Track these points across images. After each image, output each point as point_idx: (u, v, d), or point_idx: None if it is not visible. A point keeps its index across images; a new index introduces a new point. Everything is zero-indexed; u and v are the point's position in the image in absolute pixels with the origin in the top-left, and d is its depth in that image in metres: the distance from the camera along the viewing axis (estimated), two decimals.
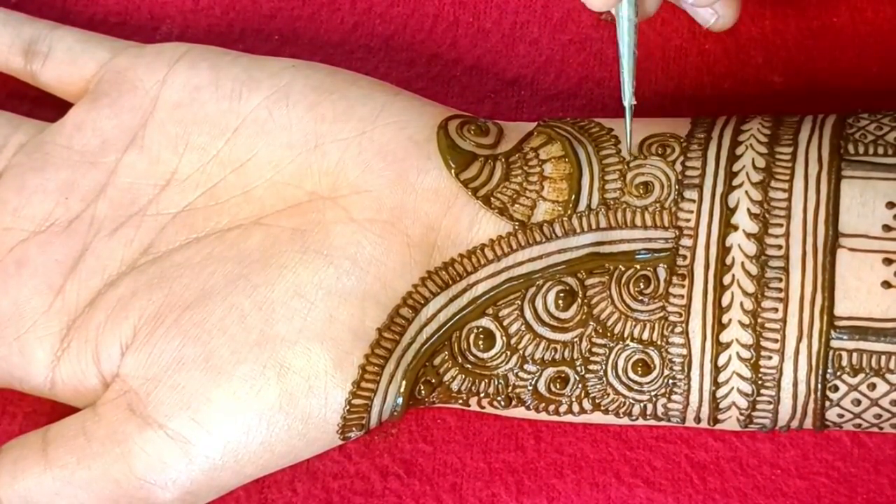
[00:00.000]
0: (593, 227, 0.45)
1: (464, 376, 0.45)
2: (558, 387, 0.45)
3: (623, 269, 0.45)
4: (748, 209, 0.44)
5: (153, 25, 0.54)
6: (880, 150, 0.44)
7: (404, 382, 0.45)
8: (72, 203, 0.48)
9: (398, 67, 0.53)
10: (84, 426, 0.45)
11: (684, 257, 0.44)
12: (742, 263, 0.44)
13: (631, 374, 0.44)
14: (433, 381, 0.46)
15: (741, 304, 0.43)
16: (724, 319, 0.44)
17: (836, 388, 0.43)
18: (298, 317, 0.45)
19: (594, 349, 0.45)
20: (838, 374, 0.43)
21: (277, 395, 0.44)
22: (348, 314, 0.45)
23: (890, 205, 0.43)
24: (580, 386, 0.45)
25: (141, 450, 0.44)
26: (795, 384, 0.43)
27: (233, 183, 0.47)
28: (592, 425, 0.47)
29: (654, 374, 0.44)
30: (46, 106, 0.52)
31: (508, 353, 0.45)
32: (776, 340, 0.43)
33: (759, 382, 0.43)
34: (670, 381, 0.44)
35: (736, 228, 0.44)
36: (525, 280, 0.45)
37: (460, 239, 0.46)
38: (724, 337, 0.43)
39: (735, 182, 0.45)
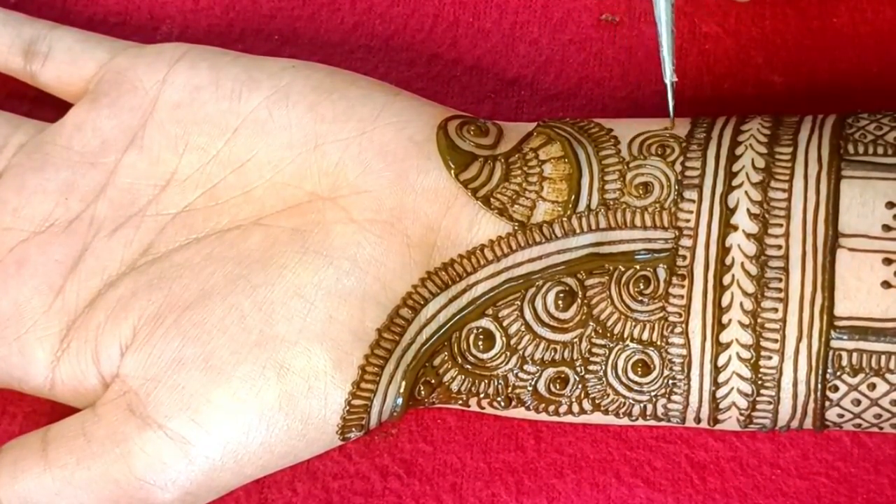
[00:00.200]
0: (593, 227, 0.45)
1: (463, 377, 0.45)
2: (558, 387, 0.45)
3: (623, 269, 0.45)
4: (748, 209, 0.44)
5: (153, 25, 0.54)
6: (880, 150, 0.44)
7: (404, 383, 0.45)
8: (72, 203, 0.48)
9: (398, 67, 0.53)
10: (84, 426, 0.45)
11: (684, 257, 0.44)
12: (742, 263, 0.44)
13: (631, 375, 0.44)
14: (433, 381, 0.46)
15: (741, 304, 0.43)
16: (724, 319, 0.43)
17: (836, 388, 0.43)
18: (298, 317, 0.45)
19: (594, 349, 0.45)
20: (838, 374, 0.43)
21: (277, 395, 0.44)
22: (348, 314, 0.45)
23: (890, 205, 0.43)
24: (580, 386, 0.45)
25: (140, 450, 0.44)
26: (795, 384, 0.43)
27: (233, 183, 0.47)
28: (592, 425, 0.47)
29: (654, 374, 0.44)
30: (46, 106, 0.52)
31: (508, 353, 0.45)
32: (776, 340, 0.43)
33: (759, 382, 0.43)
34: (670, 382, 0.44)
35: (736, 228, 0.44)
36: (525, 280, 0.45)
37: (460, 239, 0.45)
38: (724, 337, 0.43)
39: (735, 182, 0.44)
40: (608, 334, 0.45)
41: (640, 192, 0.45)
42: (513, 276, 0.45)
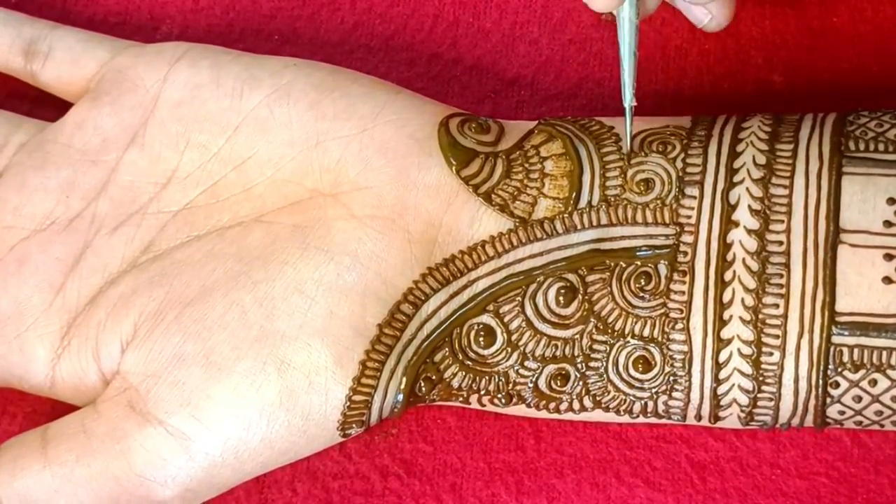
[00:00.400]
0: (594, 223, 0.45)
1: (464, 373, 0.45)
2: (559, 384, 0.45)
3: (624, 265, 0.45)
4: (749, 205, 0.44)
5: (153, 25, 0.54)
6: (881, 147, 0.44)
7: (405, 379, 0.45)
8: (72, 201, 0.48)
9: (398, 67, 0.53)
10: (84, 423, 0.45)
11: (685, 254, 0.44)
12: (743, 259, 0.44)
13: (632, 371, 0.44)
14: (434, 377, 0.46)
15: (742, 300, 0.43)
16: (725, 316, 0.43)
17: (838, 385, 0.43)
18: (299, 313, 0.45)
19: (595, 346, 0.45)
20: (839, 370, 0.43)
21: (278, 391, 0.44)
22: (349, 310, 0.45)
23: (891, 201, 0.43)
24: (581, 383, 0.45)
25: (141, 447, 0.44)
26: (797, 380, 0.43)
27: (234, 181, 0.47)
28: (593, 425, 0.47)
29: (655, 370, 0.44)
30: (46, 106, 0.52)
31: (509, 349, 0.45)
32: (777, 337, 0.43)
33: (761, 379, 0.43)
34: (671, 378, 0.44)
35: (737, 225, 0.44)
36: (526, 277, 0.45)
37: (461, 235, 0.46)
38: (725, 333, 0.43)
39: (736, 179, 0.45)
40: (609, 331, 0.45)
41: (642, 188, 0.45)
42: (514, 272, 0.45)
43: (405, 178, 0.46)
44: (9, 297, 0.47)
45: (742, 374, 0.44)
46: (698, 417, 0.45)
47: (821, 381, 0.43)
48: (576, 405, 0.45)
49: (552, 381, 0.45)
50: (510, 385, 0.45)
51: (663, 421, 0.45)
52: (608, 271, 0.45)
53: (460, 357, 0.45)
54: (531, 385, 0.45)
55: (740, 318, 0.43)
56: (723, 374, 0.44)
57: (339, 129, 0.47)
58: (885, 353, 0.43)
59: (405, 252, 0.45)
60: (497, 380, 0.45)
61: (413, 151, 0.46)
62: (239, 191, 0.47)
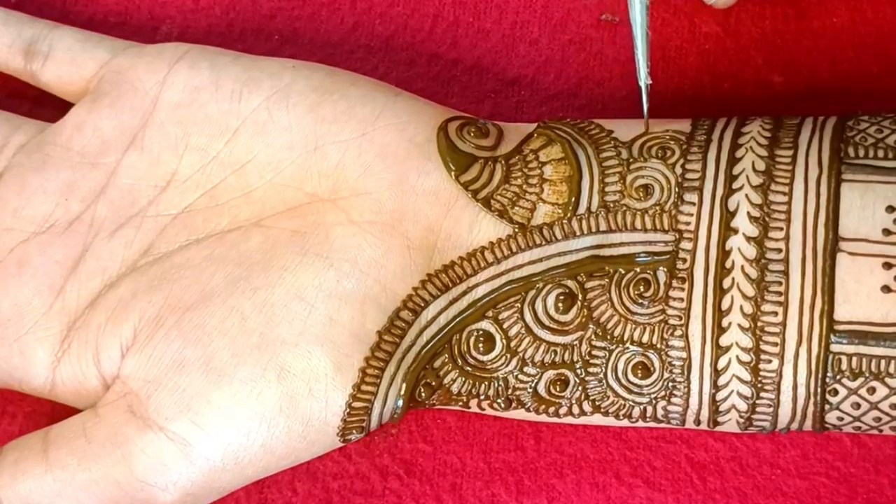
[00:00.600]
0: (593, 229, 0.45)
1: (464, 379, 0.45)
2: (558, 389, 0.45)
3: (623, 271, 0.45)
4: (748, 212, 0.44)
5: (153, 25, 0.54)
6: (880, 154, 0.44)
7: (404, 385, 0.45)
8: (72, 204, 0.48)
9: (398, 67, 0.53)
10: (85, 428, 0.45)
11: (684, 260, 0.44)
12: (742, 267, 0.44)
13: (631, 377, 0.44)
14: (433, 383, 0.46)
15: (741, 307, 0.43)
16: (724, 323, 0.43)
17: (836, 392, 0.43)
18: (299, 319, 0.45)
19: (594, 352, 0.45)
20: (838, 377, 0.43)
21: (278, 397, 0.44)
22: (348, 317, 0.45)
23: (890, 209, 0.43)
24: (580, 388, 0.45)
25: (142, 452, 0.44)
26: (795, 388, 0.43)
27: (233, 184, 0.47)
28: (592, 425, 0.47)
29: (654, 376, 0.44)
30: (46, 106, 0.52)
31: (508, 355, 0.45)
32: (776, 344, 0.43)
33: (759, 386, 0.43)
34: (670, 384, 0.44)
35: (736, 232, 0.44)
36: (525, 283, 0.45)
37: (460, 241, 0.45)
38: (724, 340, 0.43)
39: (735, 185, 0.44)
40: (608, 336, 0.45)
41: (641, 194, 0.45)
42: (513, 278, 0.45)
43: (404, 184, 0.46)
44: (9, 300, 0.47)
45: (741, 380, 0.43)
46: (697, 422, 0.45)
47: (819, 389, 0.43)
48: (575, 410, 0.45)
49: (551, 387, 0.45)
50: (509, 390, 0.45)
51: (662, 425, 0.45)
52: (607, 278, 0.45)
53: (460, 363, 0.45)
54: (530, 390, 0.45)
55: (739, 325, 0.43)
56: (721, 381, 0.44)
57: (339, 133, 0.47)
58: (883, 361, 0.42)
59: (404, 258, 0.45)
60: (496, 385, 0.45)
61: (412, 156, 0.46)
62: (238, 194, 0.47)
